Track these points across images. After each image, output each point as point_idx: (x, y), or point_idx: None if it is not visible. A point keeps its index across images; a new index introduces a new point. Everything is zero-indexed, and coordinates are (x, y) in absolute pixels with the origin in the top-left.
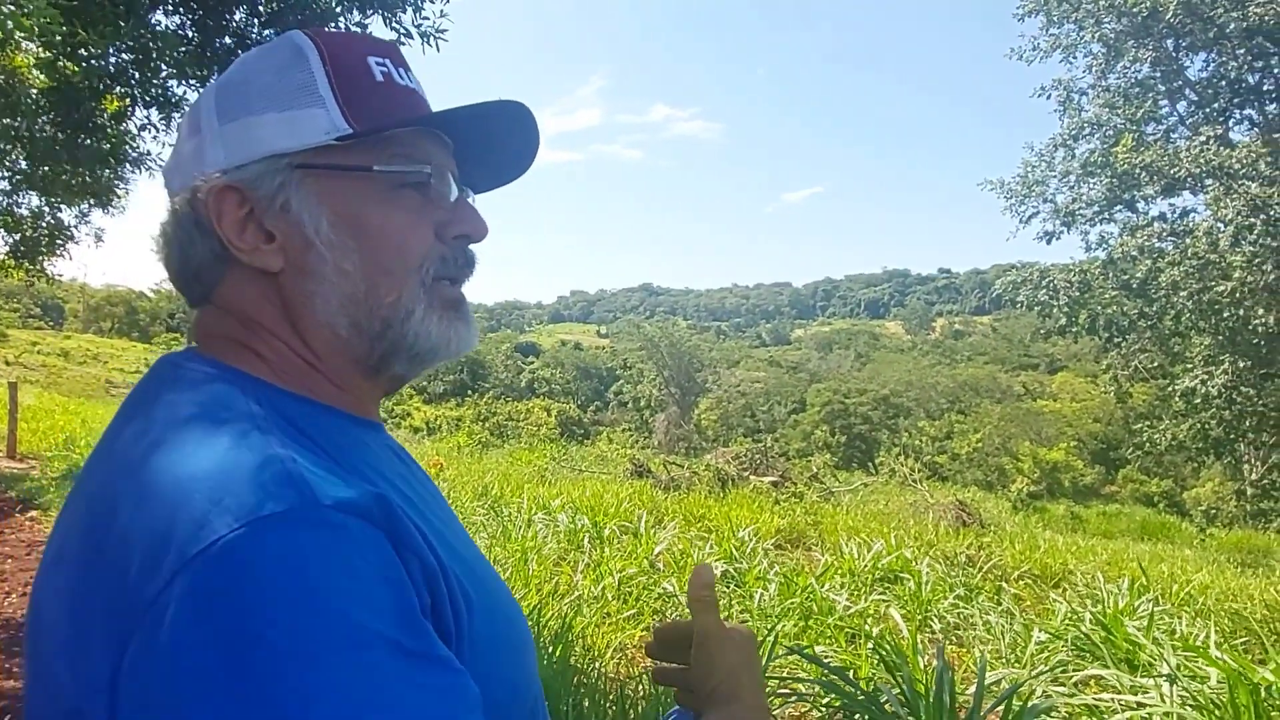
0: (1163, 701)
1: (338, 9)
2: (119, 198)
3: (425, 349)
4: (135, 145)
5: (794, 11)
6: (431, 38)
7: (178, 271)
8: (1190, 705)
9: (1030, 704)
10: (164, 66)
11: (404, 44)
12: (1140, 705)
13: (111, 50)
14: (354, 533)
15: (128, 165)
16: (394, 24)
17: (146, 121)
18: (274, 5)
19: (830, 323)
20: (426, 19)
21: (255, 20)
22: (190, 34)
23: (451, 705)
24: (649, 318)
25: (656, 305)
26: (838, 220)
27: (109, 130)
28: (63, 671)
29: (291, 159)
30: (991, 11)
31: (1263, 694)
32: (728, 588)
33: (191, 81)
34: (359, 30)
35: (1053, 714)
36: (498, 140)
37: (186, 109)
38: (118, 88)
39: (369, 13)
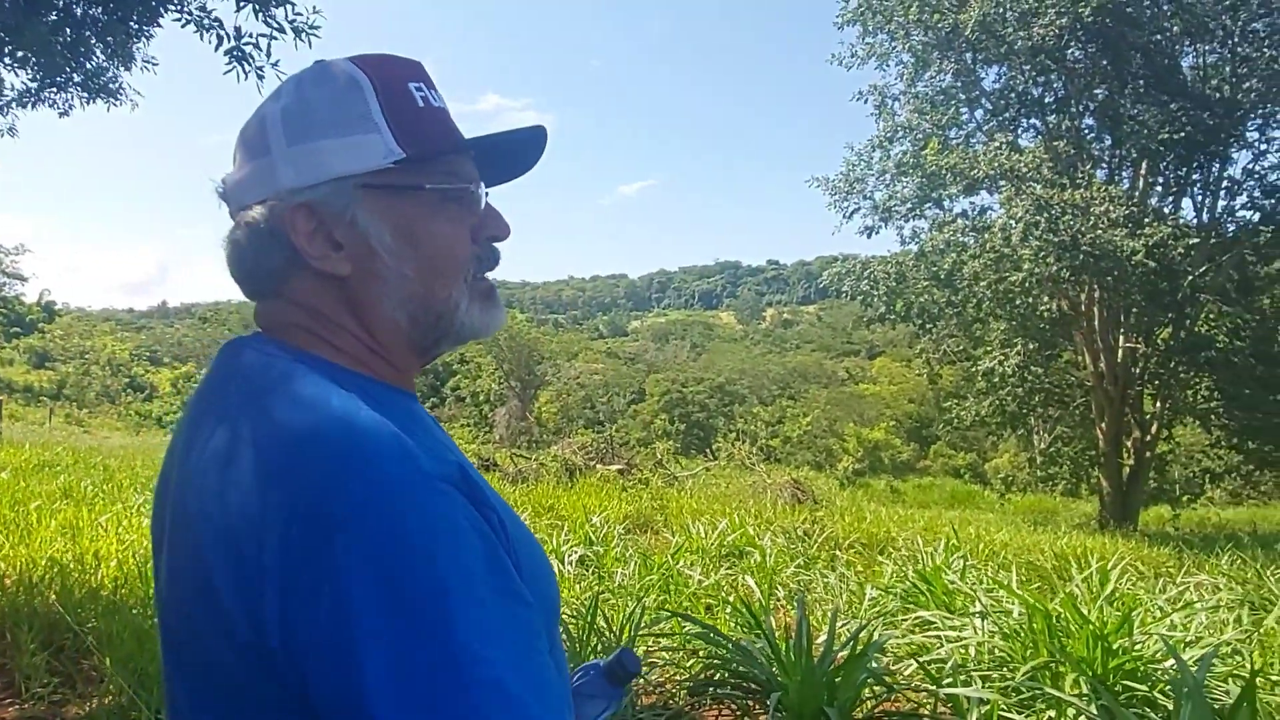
0: (976, 633)
1: None
2: None
3: (469, 332)
4: None
5: (625, 5)
6: (305, 33)
7: (249, 271)
8: (999, 635)
9: (871, 643)
10: None
11: (277, 39)
12: (959, 638)
13: None
14: (453, 498)
15: None
16: (267, 18)
17: None
18: None
19: (666, 314)
20: (299, 15)
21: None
22: (7, 6)
23: (530, 632)
24: None
25: None
26: (671, 212)
27: None
28: (236, 613)
29: (356, 180)
30: (816, 16)
31: (1054, 620)
32: (588, 570)
33: (8, 62)
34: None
35: (888, 650)
36: (512, 149)
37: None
38: None
39: (240, 5)
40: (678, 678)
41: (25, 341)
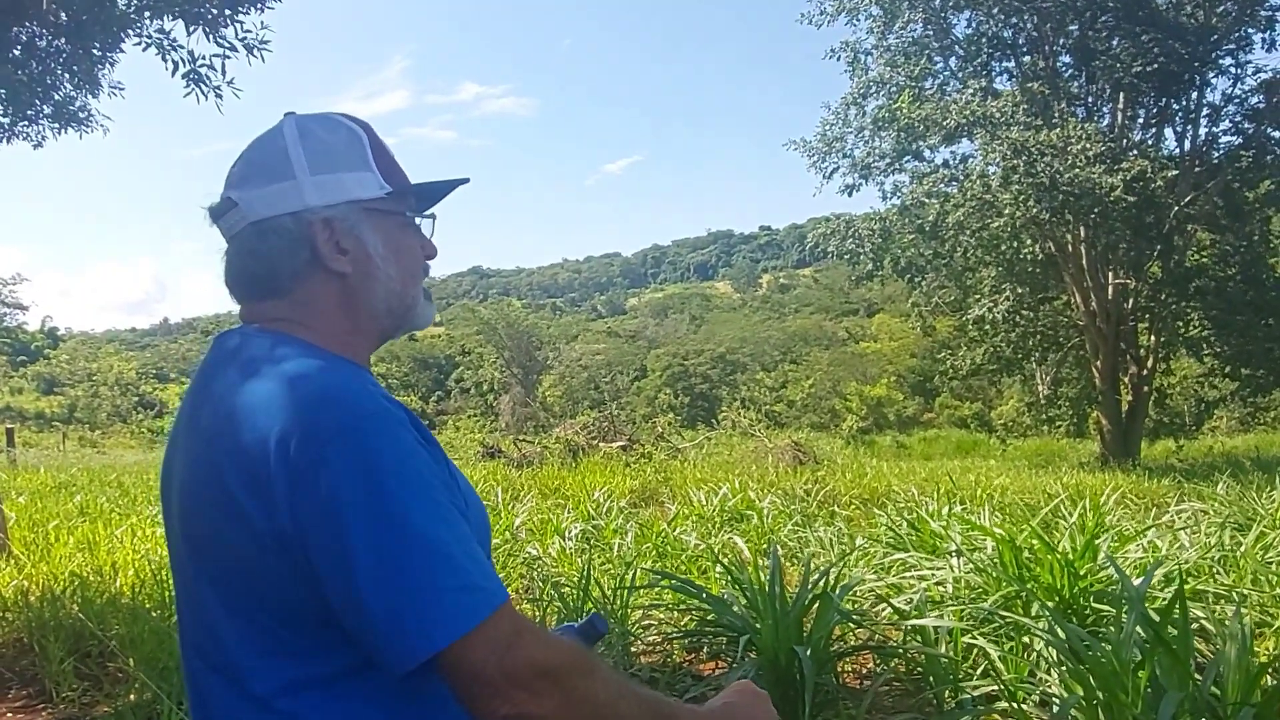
0: (952, 571)
1: (134, 14)
2: None
3: (419, 322)
4: None
5: None
6: (256, 49)
7: (267, 272)
8: (973, 571)
9: (843, 583)
10: None
11: (229, 57)
12: (935, 578)
13: None
14: (408, 429)
15: None
16: (218, 38)
17: None
18: (70, 16)
19: (663, 289)
20: (249, 32)
21: (46, 32)
22: None
23: (465, 528)
24: (482, 301)
25: (489, 288)
26: (659, 187)
27: None
28: (254, 512)
29: (362, 204)
30: None
31: (1023, 552)
32: (588, 544)
33: None
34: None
35: (860, 588)
36: (435, 192)
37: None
38: None
39: (191, 29)
40: (674, 636)
41: (32, 369)
